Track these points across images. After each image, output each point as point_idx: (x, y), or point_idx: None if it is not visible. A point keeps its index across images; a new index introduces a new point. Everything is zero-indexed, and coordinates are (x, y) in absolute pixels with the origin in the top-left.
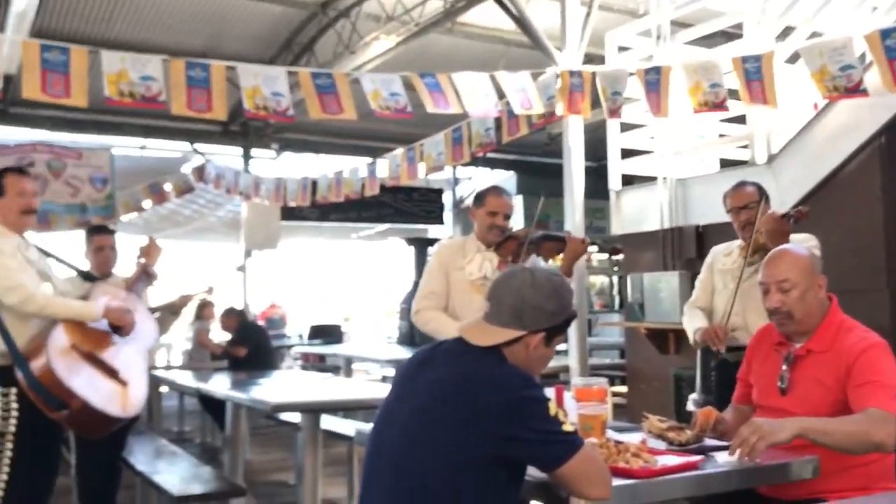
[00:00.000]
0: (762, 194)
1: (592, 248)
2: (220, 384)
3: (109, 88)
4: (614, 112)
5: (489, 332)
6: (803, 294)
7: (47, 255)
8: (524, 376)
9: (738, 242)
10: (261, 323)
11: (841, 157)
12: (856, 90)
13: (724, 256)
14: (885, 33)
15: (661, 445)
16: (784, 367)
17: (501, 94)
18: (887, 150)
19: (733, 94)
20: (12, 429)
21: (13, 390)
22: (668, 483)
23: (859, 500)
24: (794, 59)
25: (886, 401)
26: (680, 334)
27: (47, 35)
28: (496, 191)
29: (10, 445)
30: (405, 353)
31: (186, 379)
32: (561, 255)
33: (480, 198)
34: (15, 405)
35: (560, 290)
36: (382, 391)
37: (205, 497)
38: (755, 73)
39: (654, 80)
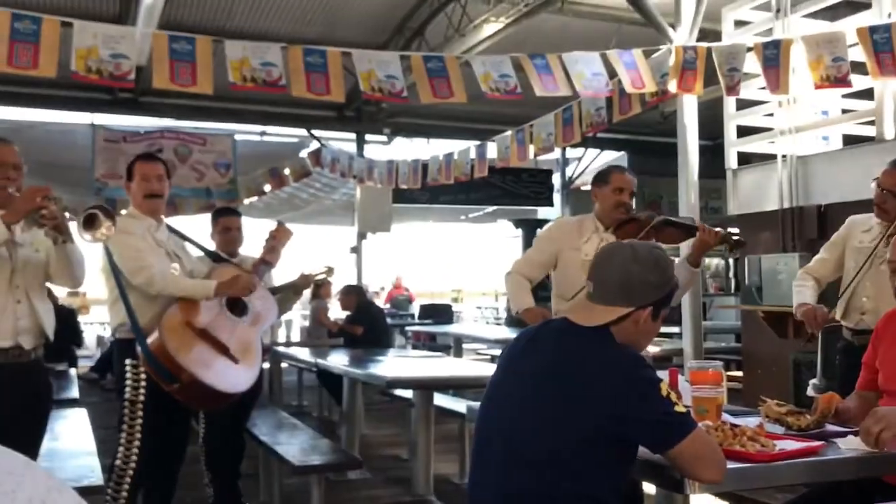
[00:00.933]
0: None
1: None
2: (337, 360)
3: (233, 74)
4: (731, 89)
5: (597, 311)
6: None
7: (181, 236)
8: (636, 356)
9: (878, 219)
10: (384, 305)
11: None
12: None
13: (862, 232)
14: None
15: (779, 430)
16: None
17: (612, 74)
18: None
19: (858, 67)
20: (142, 398)
21: (141, 361)
22: (786, 468)
23: None
24: None
25: None
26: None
27: (173, 27)
28: (619, 168)
29: (140, 414)
30: (513, 334)
31: (305, 355)
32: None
33: (604, 176)
34: (143, 376)
35: (662, 261)
36: (490, 370)
37: (323, 468)
38: (884, 45)
39: (773, 56)
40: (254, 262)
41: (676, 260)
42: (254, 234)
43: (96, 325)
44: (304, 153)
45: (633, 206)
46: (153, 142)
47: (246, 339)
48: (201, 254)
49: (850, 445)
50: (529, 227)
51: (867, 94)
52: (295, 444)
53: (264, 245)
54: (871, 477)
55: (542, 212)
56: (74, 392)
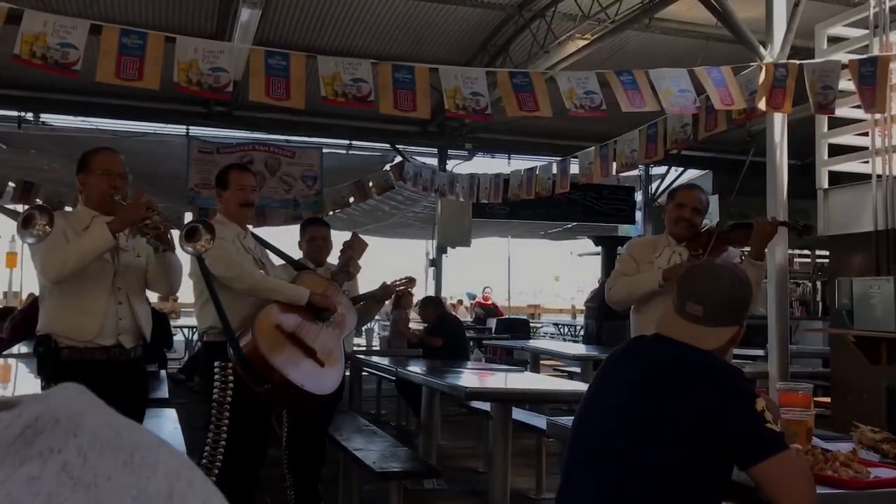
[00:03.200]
0: None
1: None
2: (416, 370)
3: (325, 89)
4: (824, 107)
5: (709, 333)
6: None
7: (264, 245)
8: (736, 368)
9: None
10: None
11: None
12: None
13: None
14: None
15: (874, 457)
16: None
17: (699, 91)
18: None
19: None
20: (229, 399)
21: (230, 364)
22: (881, 497)
23: None
24: None
25: None
26: (894, 343)
27: (267, 43)
28: (686, 185)
29: (227, 415)
30: (592, 351)
31: (384, 364)
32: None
33: (671, 193)
34: (231, 378)
35: (746, 278)
36: (571, 386)
37: (402, 475)
38: None
39: (870, 73)
40: (333, 271)
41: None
42: (338, 245)
43: (185, 329)
44: (387, 167)
45: (705, 224)
46: (245, 154)
47: (330, 344)
48: (283, 262)
49: None
50: (609, 244)
51: None
52: (374, 451)
53: (340, 256)
54: None
55: (623, 229)
56: (164, 392)
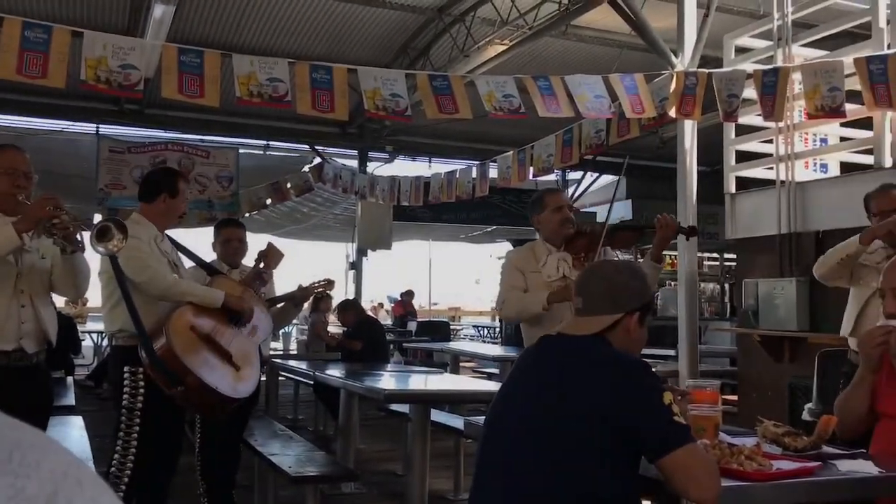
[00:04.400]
0: None
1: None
2: (334, 373)
3: (240, 89)
4: (729, 115)
5: (591, 322)
6: None
7: (179, 248)
8: (642, 362)
9: (879, 244)
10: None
11: None
12: None
13: (868, 253)
14: None
15: (776, 450)
16: None
17: (614, 97)
18: None
19: (855, 97)
20: (140, 405)
21: (140, 369)
22: (782, 487)
23: None
24: None
25: None
26: (796, 342)
27: (181, 40)
28: (550, 189)
29: (137, 421)
30: (510, 352)
31: (302, 368)
32: (644, 243)
33: (538, 202)
34: (142, 383)
35: (639, 269)
36: (489, 387)
37: (319, 479)
38: (880, 76)
39: (772, 83)
40: (247, 277)
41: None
42: (255, 248)
43: (93, 335)
44: (306, 168)
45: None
46: (157, 153)
47: (245, 348)
48: (194, 265)
49: (848, 467)
50: None
51: (866, 122)
52: (290, 455)
53: (255, 262)
54: (866, 499)
55: None
56: (71, 399)
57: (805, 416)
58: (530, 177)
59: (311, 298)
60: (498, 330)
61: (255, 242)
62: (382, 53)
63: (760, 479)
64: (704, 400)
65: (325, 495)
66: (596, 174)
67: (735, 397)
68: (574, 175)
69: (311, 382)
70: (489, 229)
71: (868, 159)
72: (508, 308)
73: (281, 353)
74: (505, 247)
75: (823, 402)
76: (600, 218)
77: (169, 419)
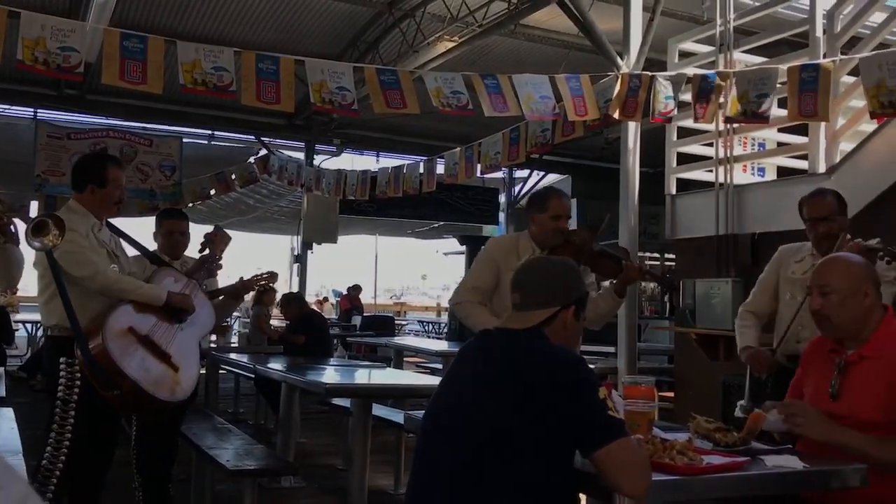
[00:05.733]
0: (842, 206)
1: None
2: (276, 367)
3: (184, 77)
4: (664, 116)
5: (528, 316)
6: (843, 300)
7: (120, 235)
8: (578, 356)
9: (810, 247)
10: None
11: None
12: None
13: (795, 263)
14: None
15: (707, 446)
16: (835, 373)
17: (560, 97)
18: None
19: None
20: (75, 397)
21: (77, 360)
22: (712, 481)
23: None
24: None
25: None
26: (731, 341)
27: (125, 25)
28: (558, 194)
29: (72, 414)
30: (454, 348)
31: (243, 361)
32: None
33: (543, 201)
34: (78, 375)
35: (573, 265)
36: (431, 381)
37: (257, 472)
38: (810, 84)
39: (708, 88)
40: (192, 267)
41: (605, 286)
42: (197, 239)
43: (28, 325)
44: (251, 159)
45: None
46: (98, 140)
47: (186, 346)
48: (137, 253)
49: (774, 462)
50: (474, 244)
51: (804, 129)
52: (229, 449)
53: (201, 248)
54: (792, 493)
55: (487, 229)
56: (1, 390)
57: (737, 412)
58: (478, 174)
59: (255, 291)
60: (444, 325)
61: (199, 233)
62: (331, 46)
63: (690, 474)
64: (639, 396)
65: (263, 489)
66: (542, 173)
67: (672, 394)
68: (521, 173)
69: (252, 376)
70: (436, 225)
71: (804, 164)
72: (463, 313)
73: (215, 345)
74: (451, 243)
75: (754, 399)
76: None
77: (105, 412)
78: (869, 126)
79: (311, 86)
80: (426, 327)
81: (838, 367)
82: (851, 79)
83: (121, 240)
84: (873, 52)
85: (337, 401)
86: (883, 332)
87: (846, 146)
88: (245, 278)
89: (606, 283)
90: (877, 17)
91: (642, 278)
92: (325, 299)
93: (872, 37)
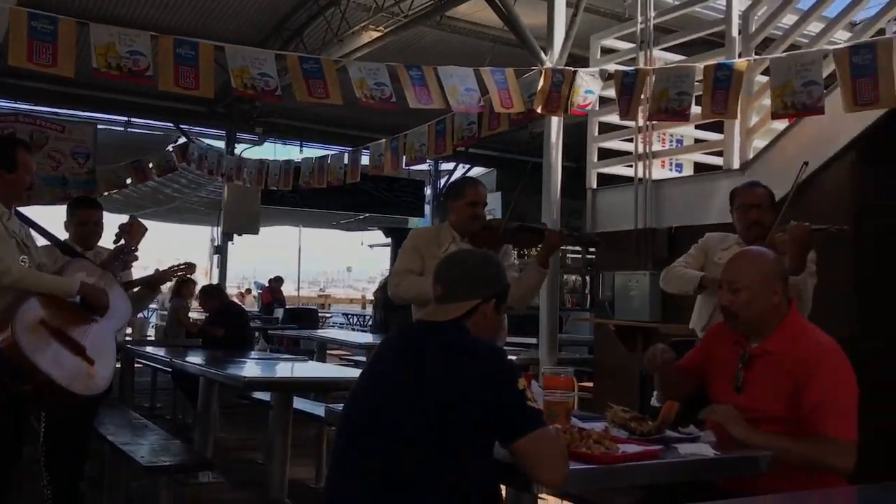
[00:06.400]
0: (772, 198)
1: (572, 246)
2: (194, 360)
3: (98, 60)
4: (582, 108)
5: (450, 309)
6: (752, 298)
7: (30, 224)
8: (498, 348)
9: (736, 237)
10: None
11: (813, 167)
12: (814, 107)
13: (721, 251)
14: (855, 50)
15: (624, 434)
16: (740, 366)
17: (485, 90)
18: (859, 162)
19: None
20: None
21: None
22: (627, 469)
23: (810, 495)
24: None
25: (842, 426)
26: (648, 332)
27: (34, 4)
28: (474, 182)
29: None
30: (378, 340)
31: (160, 355)
32: (536, 248)
33: (459, 189)
34: None
35: (493, 258)
36: (353, 374)
37: (173, 468)
38: (724, 82)
39: (629, 84)
40: (106, 258)
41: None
42: (113, 229)
43: None
44: (170, 147)
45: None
46: (6, 125)
47: (101, 339)
48: (47, 243)
49: (687, 450)
50: (399, 236)
51: (719, 126)
52: (144, 445)
53: (115, 239)
54: (704, 480)
55: (413, 221)
56: None
57: (653, 401)
58: (403, 165)
59: (174, 283)
60: (369, 317)
61: (115, 223)
62: (254, 32)
63: (607, 462)
64: (559, 386)
65: (180, 485)
66: (468, 165)
67: (591, 384)
68: (447, 166)
69: (170, 370)
70: (361, 217)
71: (719, 161)
72: (405, 289)
73: (131, 338)
74: (377, 235)
75: None
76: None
77: (11, 407)
78: (781, 124)
79: (231, 71)
80: (351, 320)
81: (742, 360)
82: (765, 78)
83: (30, 229)
84: (785, 54)
85: (258, 394)
86: (787, 328)
87: (759, 143)
88: (159, 269)
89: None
90: (789, 20)
91: (565, 242)
92: (248, 291)
93: (784, 38)
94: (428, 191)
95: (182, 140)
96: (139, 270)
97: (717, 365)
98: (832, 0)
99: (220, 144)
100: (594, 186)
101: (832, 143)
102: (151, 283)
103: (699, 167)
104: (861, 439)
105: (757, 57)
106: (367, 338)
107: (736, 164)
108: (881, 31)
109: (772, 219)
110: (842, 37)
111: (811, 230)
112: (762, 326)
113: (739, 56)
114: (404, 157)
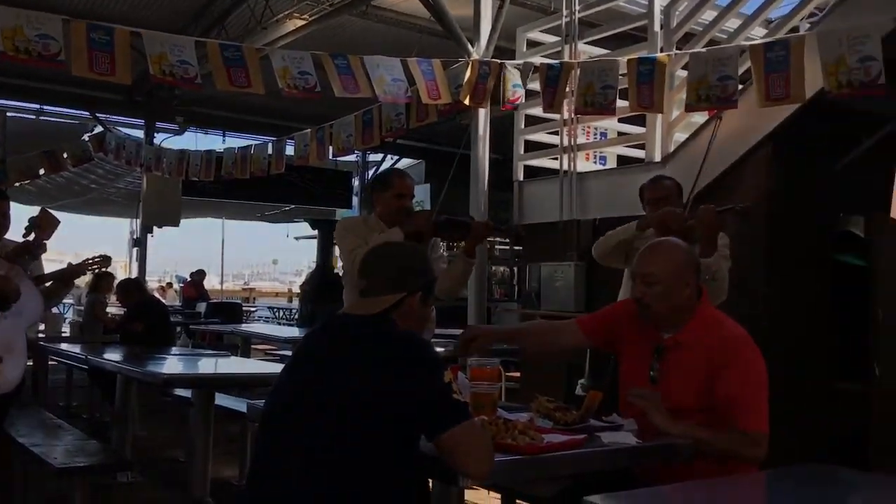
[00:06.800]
0: (679, 192)
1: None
2: (111, 357)
3: (4, 44)
4: (512, 103)
5: (375, 302)
6: (666, 291)
7: None
8: (424, 340)
9: (653, 232)
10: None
11: (730, 160)
12: (727, 101)
13: (643, 239)
14: (769, 47)
15: (549, 424)
16: (655, 357)
17: (412, 81)
18: (774, 156)
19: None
20: None
21: None
22: (552, 459)
23: (723, 481)
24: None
25: (753, 419)
26: None
27: None
28: (400, 174)
29: None
30: (303, 334)
31: (76, 351)
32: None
33: (386, 181)
34: None
35: (420, 252)
36: (278, 369)
37: (88, 470)
38: (647, 76)
39: (554, 77)
40: (13, 250)
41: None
42: (24, 221)
43: None
44: (85, 136)
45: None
46: None
47: (10, 335)
48: None
49: (610, 439)
50: (327, 228)
51: (641, 119)
52: (59, 446)
53: (25, 232)
54: (626, 467)
55: (340, 213)
56: None
57: (578, 390)
58: (329, 156)
59: (92, 278)
60: (295, 311)
61: (25, 216)
62: (175, 18)
63: (532, 453)
64: (485, 378)
65: (98, 486)
66: (396, 157)
67: (518, 374)
68: (374, 157)
69: (86, 367)
70: (287, 208)
71: (642, 153)
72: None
73: (43, 334)
74: (303, 227)
75: (594, 378)
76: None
77: None
78: (701, 118)
79: (149, 58)
80: (277, 313)
81: (657, 351)
82: (685, 72)
83: None
84: (704, 49)
85: (180, 392)
86: (698, 319)
87: (680, 136)
88: (72, 263)
89: None
90: (708, 15)
91: (490, 233)
92: (169, 285)
93: (704, 34)
94: (356, 182)
95: (99, 129)
96: (54, 264)
97: (630, 355)
98: None
99: (140, 134)
100: (521, 179)
101: (750, 137)
102: (64, 277)
103: (622, 160)
104: (772, 424)
105: (678, 52)
106: (293, 332)
107: (657, 157)
108: (795, 29)
109: (679, 206)
110: (759, 33)
111: (717, 211)
112: (675, 317)
113: (661, 51)
114: (331, 147)
